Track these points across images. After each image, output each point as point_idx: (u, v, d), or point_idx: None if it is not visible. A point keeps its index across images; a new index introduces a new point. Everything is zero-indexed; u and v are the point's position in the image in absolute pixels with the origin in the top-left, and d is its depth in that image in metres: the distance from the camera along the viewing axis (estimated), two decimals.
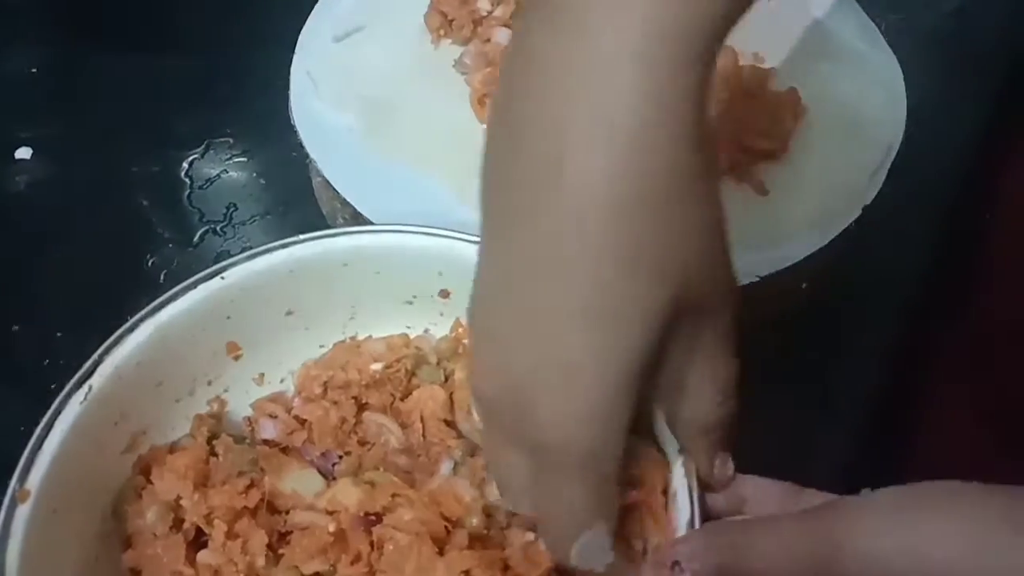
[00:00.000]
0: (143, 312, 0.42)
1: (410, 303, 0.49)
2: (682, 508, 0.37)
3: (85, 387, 0.40)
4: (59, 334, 0.53)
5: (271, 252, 0.44)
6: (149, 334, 0.42)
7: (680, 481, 0.37)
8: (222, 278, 0.43)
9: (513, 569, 0.40)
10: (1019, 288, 0.54)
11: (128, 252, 0.61)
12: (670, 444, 0.38)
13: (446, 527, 0.42)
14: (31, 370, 0.53)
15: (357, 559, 0.41)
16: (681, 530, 0.36)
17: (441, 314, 0.49)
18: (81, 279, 0.59)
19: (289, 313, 0.47)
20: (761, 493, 0.37)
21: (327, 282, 0.46)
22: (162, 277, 0.59)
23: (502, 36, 0.56)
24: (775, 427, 0.51)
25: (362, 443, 0.47)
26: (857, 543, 0.30)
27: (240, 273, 0.44)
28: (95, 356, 0.41)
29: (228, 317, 0.45)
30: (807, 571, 0.31)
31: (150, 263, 0.60)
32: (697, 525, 0.36)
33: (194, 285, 0.43)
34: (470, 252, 0.45)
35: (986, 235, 0.60)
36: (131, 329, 0.42)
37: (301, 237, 0.44)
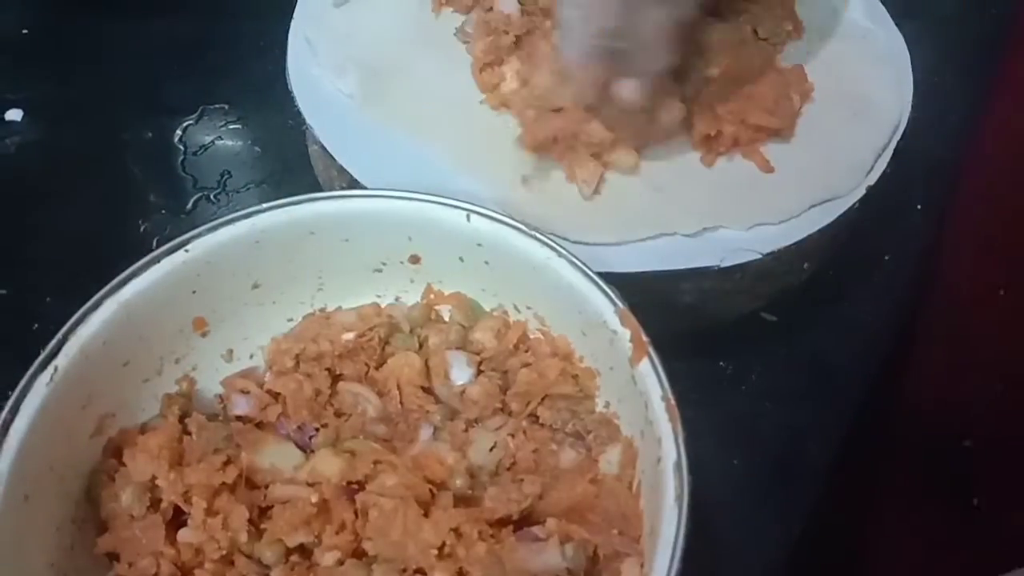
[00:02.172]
0: (105, 289, 0.41)
1: (379, 271, 0.48)
2: (668, 452, 0.37)
3: (51, 367, 0.39)
4: (48, 299, 0.52)
5: (234, 223, 0.43)
6: (113, 311, 0.41)
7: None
8: (186, 251, 0.42)
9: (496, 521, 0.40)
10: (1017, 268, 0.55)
11: (120, 218, 0.60)
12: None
13: (430, 490, 0.41)
14: (19, 335, 0.51)
15: (342, 528, 0.41)
16: (669, 473, 0.36)
17: (411, 281, 0.49)
18: (71, 244, 0.58)
19: (256, 286, 0.46)
20: None
21: (293, 252, 0.45)
22: (154, 244, 0.56)
23: (504, 5, 0.55)
24: (773, 405, 0.52)
25: (338, 414, 0.46)
26: None
27: (204, 245, 0.43)
28: (59, 335, 0.39)
29: (193, 292, 0.44)
30: None
31: (142, 229, 0.59)
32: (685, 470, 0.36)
33: (157, 259, 0.42)
34: (441, 215, 0.45)
35: (989, 214, 0.60)
36: (95, 307, 0.40)
37: (264, 206, 0.43)
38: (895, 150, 0.52)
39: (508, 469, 0.44)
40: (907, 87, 0.54)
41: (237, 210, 0.43)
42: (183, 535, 0.41)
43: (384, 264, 0.48)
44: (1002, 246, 0.56)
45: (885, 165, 0.51)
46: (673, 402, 0.38)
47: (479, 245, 0.45)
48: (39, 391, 0.38)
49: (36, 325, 0.53)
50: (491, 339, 0.47)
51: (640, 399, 0.40)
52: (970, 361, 0.53)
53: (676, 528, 0.35)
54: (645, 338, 0.39)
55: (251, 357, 0.48)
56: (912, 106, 0.54)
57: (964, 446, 0.48)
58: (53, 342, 0.39)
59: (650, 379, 0.39)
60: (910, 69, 0.55)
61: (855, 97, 0.54)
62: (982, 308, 0.54)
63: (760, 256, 0.48)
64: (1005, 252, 0.55)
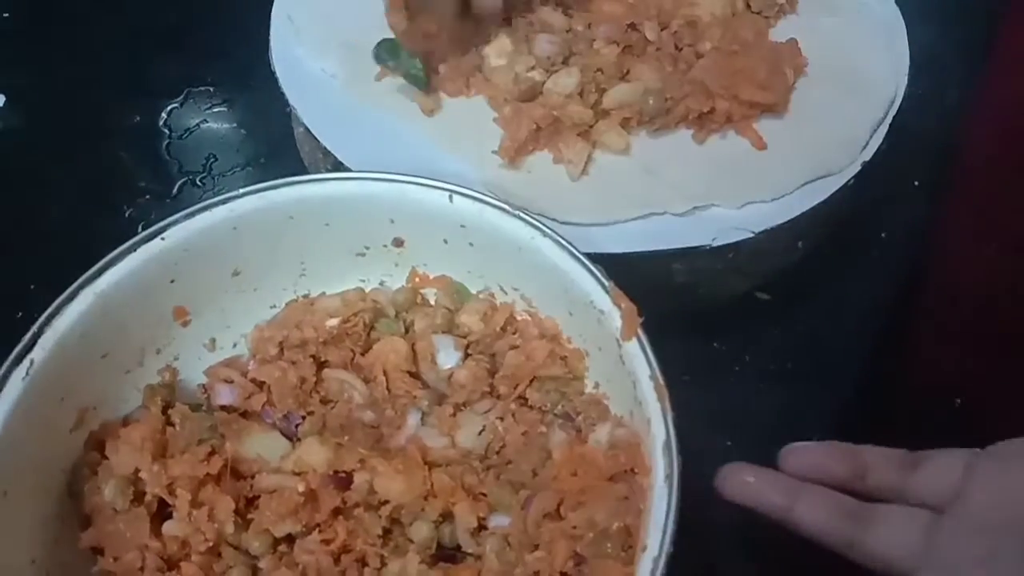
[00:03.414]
0: (81, 279, 0.40)
1: (362, 255, 0.47)
2: (657, 432, 0.37)
3: (26, 361, 0.38)
4: (33, 287, 0.52)
5: (211, 209, 0.42)
6: (90, 303, 0.40)
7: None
8: (162, 239, 0.41)
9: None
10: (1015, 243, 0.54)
11: (105, 203, 0.59)
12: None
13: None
14: (3, 324, 0.50)
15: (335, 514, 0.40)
16: (659, 452, 0.36)
17: (396, 264, 0.48)
18: (56, 231, 0.57)
19: (236, 274, 0.45)
20: (882, 460, 0.37)
21: (273, 237, 0.45)
22: (139, 229, 0.56)
23: None
24: (766, 385, 0.52)
25: (324, 401, 0.45)
26: None
27: (181, 233, 0.42)
28: (34, 328, 0.38)
29: (172, 281, 0.43)
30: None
31: (127, 215, 0.59)
32: (674, 450, 0.36)
33: (133, 248, 0.41)
34: (423, 196, 0.44)
35: (984, 189, 0.59)
36: (70, 298, 0.40)
37: (241, 191, 0.43)
38: (892, 127, 0.51)
39: (497, 452, 0.44)
40: (903, 62, 0.53)
41: (222, 194, 0.43)
42: (168, 528, 0.40)
43: (367, 248, 0.47)
44: (1000, 224, 0.55)
45: (880, 141, 0.50)
46: (662, 381, 0.38)
47: (463, 226, 0.44)
48: (15, 386, 0.38)
49: (20, 314, 0.52)
50: (478, 322, 0.46)
51: (628, 379, 0.39)
52: (967, 339, 0.52)
53: (667, 507, 0.35)
54: (636, 317, 0.39)
55: (234, 346, 0.47)
56: (909, 81, 0.53)
57: (958, 413, 0.48)
58: (28, 335, 0.38)
59: (638, 359, 0.38)
60: (906, 43, 0.54)
61: (850, 72, 0.53)
62: (980, 287, 0.53)
63: (753, 234, 0.47)
64: (1003, 229, 0.54)
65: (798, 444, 0.36)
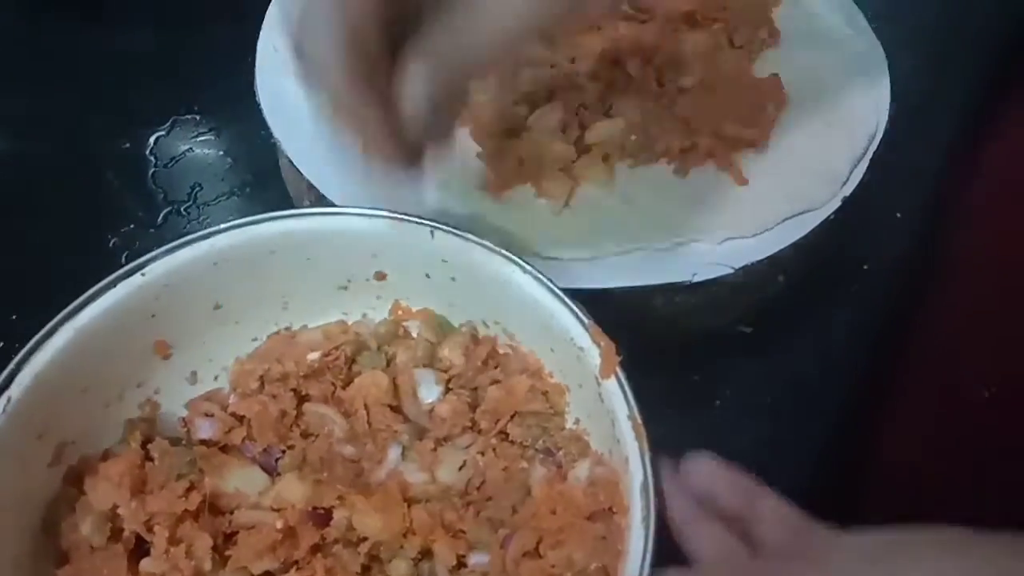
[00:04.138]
0: (61, 315, 0.40)
1: (345, 288, 0.47)
2: (635, 472, 0.37)
3: (3, 398, 0.38)
4: (14, 316, 0.51)
5: (192, 244, 0.42)
6: (69, 338, 0.40)
7: (632, 447, 0.37)
8: (142, 274, 0.41)
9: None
10: (999, 279, 0.54)
11: (89, 232, 0.58)
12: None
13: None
14: None
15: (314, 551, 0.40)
16: (636, 493, 0.36)
17: (378, 297, 0.48)
18: (39, 259, 0.57)
19: (217, 307, 0.45)
20: (723, 485, 0.37)
21: (255, 272, 0.45)
22: (123, 259, 0.57)
23: None
24: (747, 420, 0.52)
25: (305, 435, 0.45)
26: None
27: (161, 268, 0.42)
28: (12, 364, 0.38)
29: (153, 315, 0.43)
30: None
31: (111, 244, 0.58)
32: (651, 491, 0.36)
33: (113, 284, 0.41)
34: (404, 232, 0.44)
35: (968, 224, 0.60)
36: (49, 334, 0.40)
37: (223, 226, 0.43)
38: (874, 158, 0.51)
39: (478, 488, 0.44)
40: (884, 95, 0.54)
41: (208, 225, 0.42)
42: (145, 565, 0.40)
43: (349, 281, 0.47)
44: (984, 256, 0.55)
45: (861, 175, 0.51)
46: (640, 421, 0.38)
47: (444, 261, 0.44)
48: None
49: (1, 343, 0.52)
50: (459, 356, 0.46)
51: (607, 417, 0.39)
52: (955, 374, 0.52)
53: (643, 549, 0.35)
54: (615, 355, 0.39)
55: (215, 378, 0.47)
56: (892, 113, 0.53)
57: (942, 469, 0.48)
58: (5, 373, 0.38)
59: (616, 397, 0.38)
60: (887, 76, 0.55)
61: (830, 106, 0.53)
62: (967, 322, 0.54)
63: (733, 270, 0.47)
64: (986, 262, 0.55)
65: (698, 455, 0.36)
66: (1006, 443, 0.47)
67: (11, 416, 0.38)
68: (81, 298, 0.40)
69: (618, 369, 0.39)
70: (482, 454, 0.44)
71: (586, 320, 0.40)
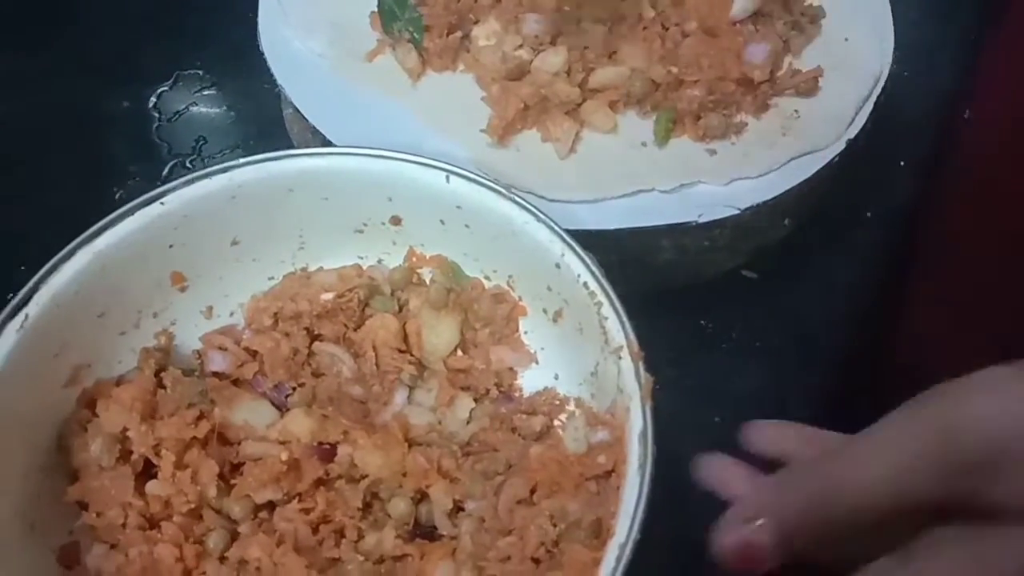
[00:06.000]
0: (79, 239, 0.41)
1: (361, 231, 0.47)
2: (635, 421, 0.37)
3: (21, 315, 0.39)
4: (23, 268, 0.52)
5: (211, 176, 0.43)
6: (87, 261, 0.41)
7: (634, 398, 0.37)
8: (161, 203, 0.42)
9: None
10: (1000, 227, 0.53)
11: (94, 186, 0.59)
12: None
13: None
14: None
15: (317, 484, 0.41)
16: (634, 440, 0.36)
17: (394, 243, 0.48)
18: (45, 213, 0.56)
19: (235, 243, 0.46)
20: (803, 444, 0.35)
21: (272, 209, 0.45)
22: None
23: None
24: (754, 361, 0.51)
25: (315, 374, 0.46)
26: (972, 423, 0.28)
27: (180, 199, 0.42)
28: (30, 284, 0.39)
29: (170, 245, 0.44)
30: (922, 476, 0.28)
31: (117, 196, 0.58)
32: (650, 440, 0.36)
33: (132, 211, 0.42)
34: (420, 175, 0.44)
35: (968, 165, 0.59)
36: (67, 256, 0.40)
37: (241, 160, 0.43)
38: (878, 107, 0.51)
39: (480, 441, 0.44)
40: (888, 39, 0.53)
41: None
42: (152, 487, 0.41)
43: (365, 225, 0.47)
44: (987, 205, 0.54)
45: (866, 119, 0.50)
46: (643, 372, 0.37)
47: (459, 207, 0.44)
48: (8, 338, 0.38)
49: (10, 295, 0.53)
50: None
51: (613, 366, 0.39)
52: (954, 317, 0.51)
53: (637, 496, 0.35)
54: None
55: (231, 315, 0.48)
56: (896, 61, 0.53)
57: None
58: (24, 290, 0.39)
59: (619, 335, 0.38)
60: (891, 21, 0.54)
61: (835, 49, 0.53)
62: (964, 266, 0.53)
63: (739, 211, 0.47)
64: (990, 210, 0.54)
65: (759, 422, 0.35)
66: None
67: (28, 333, 0.39)
68: (100, 223, 0.41)
69: (623, 315, 0.39)
70: (491, 405, 0.45)
71: (595, 269, 0.40)
